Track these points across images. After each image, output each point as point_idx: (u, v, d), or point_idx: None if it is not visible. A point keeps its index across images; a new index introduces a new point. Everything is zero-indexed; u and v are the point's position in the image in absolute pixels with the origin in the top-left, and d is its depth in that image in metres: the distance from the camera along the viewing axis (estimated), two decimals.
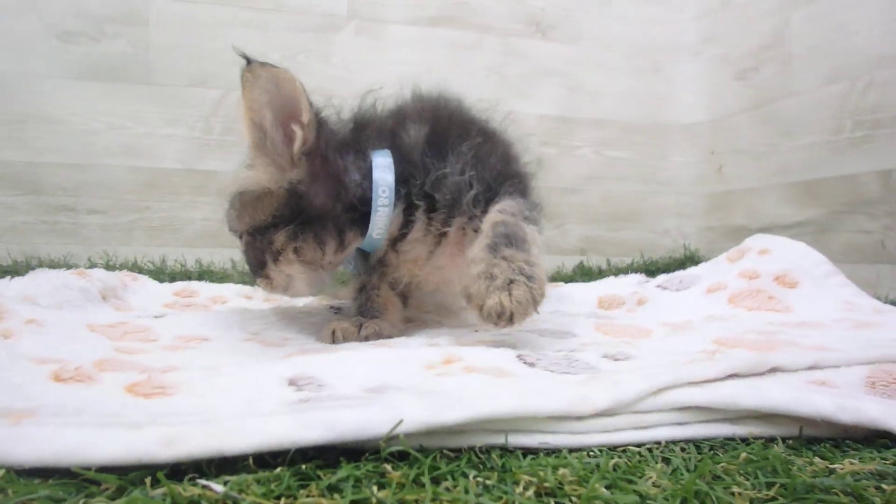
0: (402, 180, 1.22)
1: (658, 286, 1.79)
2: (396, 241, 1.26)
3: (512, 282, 1.01)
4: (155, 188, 2.44)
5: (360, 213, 1.21)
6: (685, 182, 2.98)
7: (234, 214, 1.25)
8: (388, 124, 1.28)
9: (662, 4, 3.01)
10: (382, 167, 1.21)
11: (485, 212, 1.20)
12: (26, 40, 2.32)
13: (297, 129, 1.16)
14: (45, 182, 2.33)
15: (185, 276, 2.15)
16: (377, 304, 1.31)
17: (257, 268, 1.25)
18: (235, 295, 1.70)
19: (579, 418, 0.71)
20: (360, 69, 2.64)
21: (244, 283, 2.05)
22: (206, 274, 2.23)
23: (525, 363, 0.91)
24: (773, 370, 0.84)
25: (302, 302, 1.67)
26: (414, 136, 1.25)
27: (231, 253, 2.42)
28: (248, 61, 1.11)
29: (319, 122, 1.19)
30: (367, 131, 1.26)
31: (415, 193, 1.22)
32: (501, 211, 1.16)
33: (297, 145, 1.16)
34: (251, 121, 1.16)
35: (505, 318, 0.98)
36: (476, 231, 1.20)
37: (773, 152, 2.51)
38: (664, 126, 2.99)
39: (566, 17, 2.89)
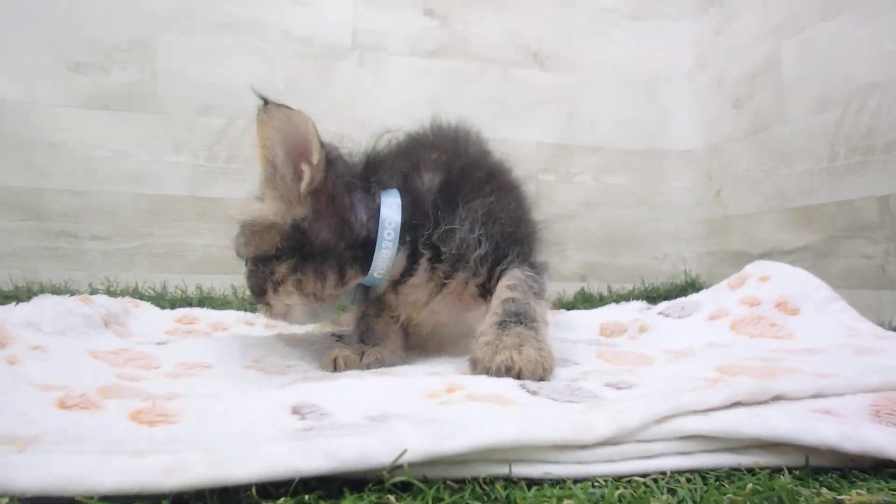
0: (409, 226, 1.23)
1: (660, 313, 1.78)
2: (397, 283, 1.27)
3: (521, 344, 1.03)
4: (158, 215, 2.45)
5: (364, 251, 1.22)
6: (683, 207, 2.99)
7: (241, 241, 1.27)
8: (402, 166, 1.29)
9: (656, 33, 3.03)
10: (390, 206, 1.22)
11: (491, 270, 1.24)
12: (36, 69, 2.35)
13: (306, 168, 1.18)
14: (49, 207, 2.34)
15: (186, 302, 2.16)
16: (379, 332, 1.31)
17: (258, 294, 1.26)
18: (236, 322, 1.70)
19: (583, 447, 0.71)
20: (362, 98, 2.66)
21: (245, 309, 2.05)
22: (206, 300, 2.23)
23: (527, 391, 0.91)
24: (777, 398, 0.84)
25: (303, 329, 1.67)
26: (427, 183, 1.27)
27: (232, 279, 2.43)
28: (266, 102, 1.13)
29: (329, 162, 1.21)
30: (379, 171, 1.27)
31: (421, 242, 1.23)
32: (511, 287, 1.18)
33: (304, 184, 1.18)
34: (264, 157, 1.19)
35: (513, 373, 0.99)
36: (478, 287, 1.25)
37: (771, 178, 2.52)
38: (661, 152, 3.01)
39: (563, 47, 2.91)
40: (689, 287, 2.69)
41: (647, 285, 2.78)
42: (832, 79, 2.25)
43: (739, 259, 2.63)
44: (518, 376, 0.99)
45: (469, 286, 1.26)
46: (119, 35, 2.44)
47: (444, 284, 1.26)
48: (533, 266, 1.29)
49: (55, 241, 2.34)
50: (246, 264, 1.29)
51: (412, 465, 0.64)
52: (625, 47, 2.99)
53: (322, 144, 1.19)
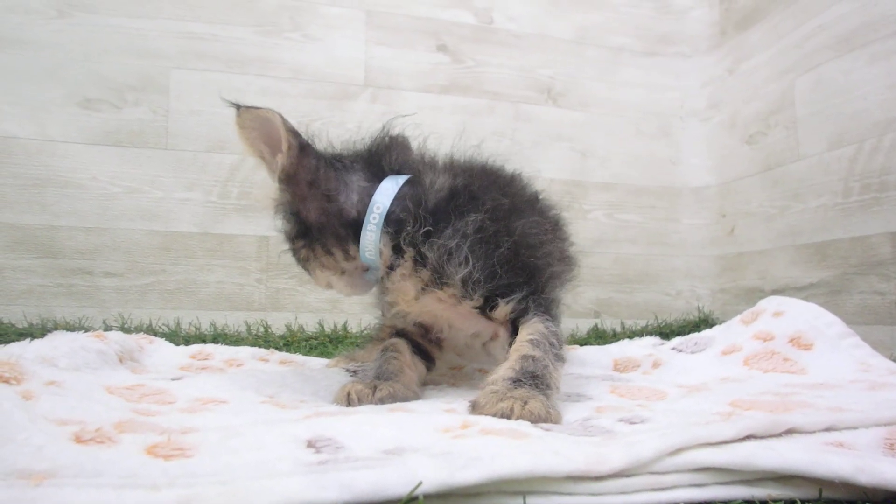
0: (396, 218, 1.25)
1: (673, 348, 1.78)
2: (389, 270, 1.28)
3: (529, 399, 1.00)
4: (170, 251, 2.47)
5: (355, 231, 1.27)
6: (697, 244, 2.99)
7: (278, 226, 1.36)
8: (421, 160, 1.35)
9: (668, 72, 3.07)
10: (384, 191, 1.26)
11: (491, 300, 1.23)
12: (48, 107, 2.38)
13: (279, 157, 1.26)
14: (63, 245, 2.36)
15: (200, 339, 2.17)
16: (394, 366, 1.30)
17: (303, 269, 1.36)
18: (250, 358, 1.70)
19: (597, 479, 0.71)
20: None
21: (259, 345, 2.06)
22: (220, 337, 2.24)
23: (543, 429, 0.91)
24: (790, 431, 0.84)
25: (317, 363, 1.68)
26: (437, 185, 1.28)
27: (245, 316, 2.44)
28: (238, 108, 1.24)
29: (302, 148, 1.27)
30: (384, 158, 1.33)
31: (403, 237, 1.24)
32: (533, 343, 1.16)
33: (277, 171, 1.27)
34: (253, 155, 1.30)
35: (512, 419, 0.97)
36: (478, 309, 1.24)
37: (784, 215, 2.53)
38: (674, 189, 3.02)
39: (575, 84, 2.94)
40: (703, 323, 2.69)
41: (660, 321, 2.78)
42: (846, 116, 2.27)
43: (753, 296, 2.62)
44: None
45: (464, 305, 1.25)
46: (131, 72, 2.48)
47: (429, 289, 1.26)
48: (549, 310, 1.26)
49: (69, 279, 2.36)
50: None
51: (427, 496, 0.64)
52: (637, 85, 3.02)
53: (294, 133, 1.26)
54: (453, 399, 1.20)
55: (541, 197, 1.55)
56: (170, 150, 2.50)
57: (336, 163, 1.31)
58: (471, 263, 1.20)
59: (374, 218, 1.24)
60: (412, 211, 1.23)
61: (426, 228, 1.22)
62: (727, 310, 2.78)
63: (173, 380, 1.24)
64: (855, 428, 0.87)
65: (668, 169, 3.03)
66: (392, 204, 1.25)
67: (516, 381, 1.06)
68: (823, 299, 2.29)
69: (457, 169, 1.34)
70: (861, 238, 2.19)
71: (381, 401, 1.19)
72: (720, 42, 2.98)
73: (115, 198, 2.43)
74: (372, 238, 1.25)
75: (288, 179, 1.26)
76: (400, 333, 1.43)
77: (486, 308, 1.25)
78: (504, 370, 1.10)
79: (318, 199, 1.27)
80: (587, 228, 2.90)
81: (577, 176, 2.91)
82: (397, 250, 1.25)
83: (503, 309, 1.23)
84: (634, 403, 1.18)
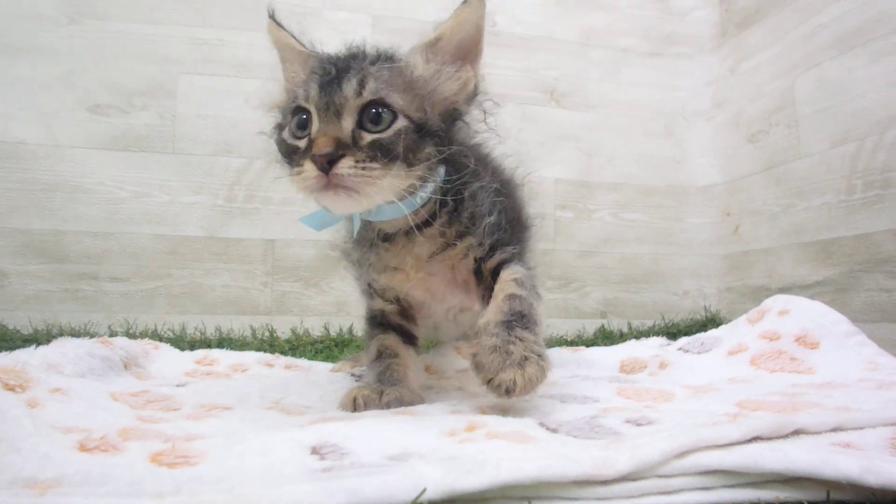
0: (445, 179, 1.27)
1: (680, 349, 1.78)
2: (412, 230, 1.27)
3: (526, 359, 1.04)
4: (177, 255, 2.47)
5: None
6: (702, 243, 2.99)
7: None
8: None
9: (672, 72, 3.06)
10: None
11: (492, 248, 1.29)
12: (57, 112, 2.39)
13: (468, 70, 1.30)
14: (69, 250, 2.37)
15: (205, 343, 2.17)
16: (398, 372, 1.31)
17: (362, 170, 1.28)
18: (255, 363, 1.70)
19: (603, 483, 0.71)
20: None
21: (264, 350, 2.06)
22: (225, 341, 2.24)
23: (547, 429, 0.91)
24: (797, 432, 0.83)
25: (322, 368, 1.68)
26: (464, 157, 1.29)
27: (251, 320, 2.44)
28: None
29: None
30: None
31: (448, 188, 1.27)
32: (518, 282, 1.21)
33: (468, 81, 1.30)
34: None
35: (514, 393, 1.01)
36: (476, 261, 1.30)
37: (788, 213, 2.52)
38: (679, 188, 3.01)
39: (580, 86, 2.93)
40: (710, 322, 2.69)
41: (667, 321, 2.78)
42: (847, 114, 2.26)
43: (759, 294, 2.61)
44: (516, 394, 1.01)
45: (469, 257, 1.30)
46: (139, 77, 2.48)
47: (451, 245, 1.29)
48: (527, 262, 1.36)
49: (75, 284, 2.36)
50: None
51: (432, 502, 0.64)
52: (641, 85, 3.02)
53: None
54: (459, 401, 1.20)
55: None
56: (177, 154, 2.50)
57: None
58: (493, 215, 1.29)
59: (440, 173, 1.26)
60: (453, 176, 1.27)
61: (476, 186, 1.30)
62: (734, 308, 2.77)
63: (178, 386, 1.25)
64: (862, 428, 0.87)
65: (673, 168, 3.02)
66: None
67: (507, 324, 1.10)
68: (830, 297, 2.28)
69: (473, 150, 1.37)
70: (865, 235, 2.19)
71: (388, 405, 1.19)
72: (722, 42, 2.98)
73: (123, 202, 2.43)
74: (432, 187, 1.25)
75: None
76: (383, 324, 1.43)
77: (486, 259, 1.30)
78: (494, 313, 1.14)
79: (437, 122, 1.23)
80: (594, 228, 2.89)
81: (584, 176, 2.90)
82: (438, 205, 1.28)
83: (496, 258, 1.29)
84: (642, 405, 1.17)
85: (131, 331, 2.27)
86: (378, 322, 1.43)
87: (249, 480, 0.66)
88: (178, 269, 2.47)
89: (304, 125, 1.17)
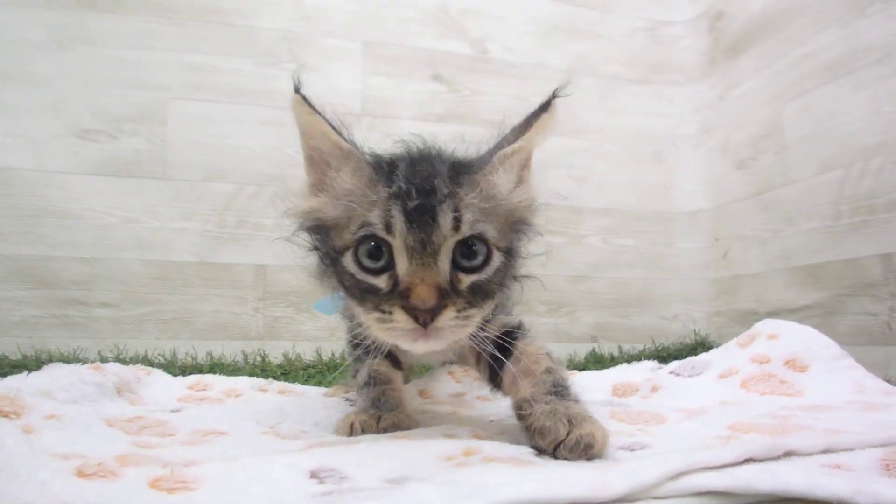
0: None
1: (671, 372, 1.79)
2: None
3: (590, 418, 0.99)
4: (167, 281, 2.46)
5: None
6: (692, 268, 3.01)
7: None
8: None
9: (661, 99, 3.10)
10: None
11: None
12: (45, 138, 2.39)
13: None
14: (58, 276, 2.36)
15: (197, 369, 2.16)
16: (394, 398, 1.30)
17: None
18: (249, 388, 1.70)
19: None
20: None
21: (256, 375, 2.06)
22: (217, 367, 2.23)
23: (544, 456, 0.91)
24: (788, 454, 0.84)
25: (316, 392, 1.68)
26: None
27: (242, 345, 2.44)
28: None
29: None
30: None
31: None
32: (549, 357, 1.14)
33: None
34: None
35: (594, 448, 0.94)
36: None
37: (777, 238, 2.54)
38: (668, 214, 3.04)
39: (568, 112, 2.94)
40: (699, 346, 2.70)
41: (657, 345, 2.79)
42: (834, 141, 2.30)
43: (748, 318, 2.63)
44: (593, 454, 0.94)
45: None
46: (129, 103, 2.48)
47: None
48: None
49: (64, 310, 2.35)
50: None
51: None
52: (631, 112, 3.05)
53: None
54: (454, 426, 1.20)
55: None
56: (167, 179, 2.50)
57: None
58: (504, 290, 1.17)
59: None
60: None
61: None
62: (723, 332, 2.78)
63: (172, 412, 1.25)
64: (851, 450, 0.88)
65: (663, 194, 3.05)
66: None
67: (557, 394, 1.04)
68: (817, 321, 2.30)
69: None
70: (852, 260, 2.21)
71: (385, 430, 1.19)
72: (710, 70, 3.01)
73: (112, 228, 2.43)
74: None
75: None
76: (369, 348, 1.28)
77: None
78: (536, 385, 1.07)
79: (517, 244, 1.17)
80: (584, 253, 2.91)
81: (574, 202, 2.92)
82: None
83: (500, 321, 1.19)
84: (634, 428, 1.18)
85: (121, 356, 2.26)
86: (365, 348, 1.39)
87: None
88: (168, 294, 2.47)
89: (377, 256, 1.02)
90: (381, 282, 1.01)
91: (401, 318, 0.97)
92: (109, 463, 0.79)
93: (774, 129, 2.57)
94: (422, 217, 0.99)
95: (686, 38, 3.13)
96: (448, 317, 0.97)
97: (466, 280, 1.02)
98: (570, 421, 0.96)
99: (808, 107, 2.41)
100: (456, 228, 1.00)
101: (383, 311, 0.99)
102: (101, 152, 2.44)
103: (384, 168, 1.08)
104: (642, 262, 2.98)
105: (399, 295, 0.98)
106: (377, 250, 1.01)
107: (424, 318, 0.96)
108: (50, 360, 2.13)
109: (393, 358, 1.39)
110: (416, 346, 1.01)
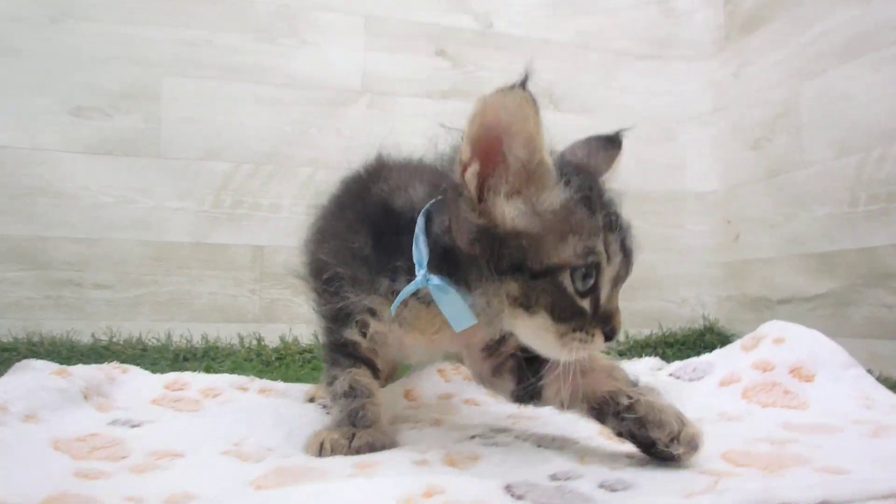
0: None
1: (671, 374, 1.73)
2: None
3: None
4: (163, 262, 2.42)
5: None
6: (702, 251, 2.92)
7: None
8: None
9: (671, 76, 2.99)
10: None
11: None
12: (39, 116, 2.34)
13: None
14: (52, 256, 2.32)
15: (191, 352, 2.16)
16: (373, 412, 1.22)
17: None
18: (229, 387, 1.62)
19: None
20: (370, 141, 2.62)
21: (251, 359, 2.03)
22: (212, 350, 2.22)
23: (513, 496, 0.84)
24: None
25: (298, 392, 1.63)
26: None
27: (238, 328, 2.40)
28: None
29: None
30: None
31: None
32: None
33: None
34: None
35: (698, 448, 1.01)
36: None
37: (790, 222, 2.46)
38: (679, 195, 2.95)
39: (577, 89, 2.86)
40: (708, 332, 2.65)
41: (664, 330, 2.73)
42: (852, 123, 2.20)
43: (758, 304, 2.56)
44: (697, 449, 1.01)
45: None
46: (122, 80, 2.42)
47: None
48: None
49: (58, 291, 2.32)
50: None
51: None
52: (640, 89, 2.94)
53: None
54: (429, 445, 1.14)
55: None
56: (162, 158, 2.44)
57: None
58: None
59: None
60: None
61: None
62: (732, 317, 2.72)
63: (133, 427, 1.19)
64: (851, 502, 0.81)
65: (672, 174, 2.95)
66: None
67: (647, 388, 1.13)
68: (831, 311, 2.24)
69: None
70: (868, 249, 2.13)
71: (358, 451, 1.13)
72: (724, 46, 2.90)
73: (107, 207, 2.38)
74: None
75: None
76: (353, 355, 1.29)
77: None
78: (619, 381, 1.12)
79: None
80: None
81: None
82: None
83: None
84: (623, 453, 1.11)
85: (115, 339, 2.24)
86: (348, 353, 1.30)
87: None
88: (163, 275, 2.42)
89: (587, 281, 1.04)
90: (586, 304, 1.03)
91: (599, 342, 1.04)
92: None
93: (790, 109, 2.47)
94: (627, 253, 1.09)
95: (699, 12, 3.00)
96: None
97: None
98: (679, 418, 1.03)
99: (826, 87, 2.31)
100: None
101: (586, 333, 1.03)
102: (94, 130, 2.39)
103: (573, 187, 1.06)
104: (650, 244, 2.86)
105: (598, 318, 1.04)
106: (590, 276, 1.03)
107: (610, 340, 1.05)
108: (42, 343, 2.11)
109: (372, 366, 1.32)
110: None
